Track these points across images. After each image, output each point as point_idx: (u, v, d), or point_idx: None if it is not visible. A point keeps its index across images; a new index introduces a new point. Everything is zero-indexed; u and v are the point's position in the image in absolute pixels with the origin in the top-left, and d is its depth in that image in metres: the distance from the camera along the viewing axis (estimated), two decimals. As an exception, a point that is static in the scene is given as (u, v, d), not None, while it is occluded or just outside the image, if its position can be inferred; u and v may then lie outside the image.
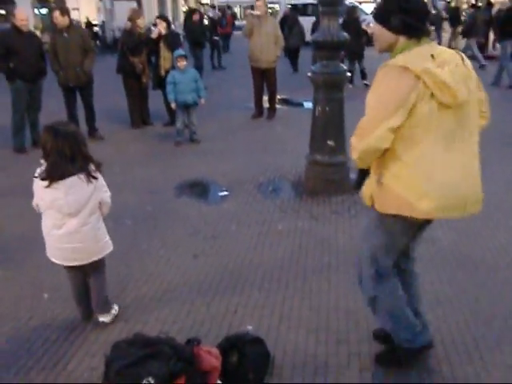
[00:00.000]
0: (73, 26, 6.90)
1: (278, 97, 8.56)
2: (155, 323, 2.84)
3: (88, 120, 7.05)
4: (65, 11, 6.72)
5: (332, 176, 4.67)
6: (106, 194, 2.70)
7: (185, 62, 6.45)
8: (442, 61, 1.99)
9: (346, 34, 4.46)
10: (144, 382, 1.75)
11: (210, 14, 19.21)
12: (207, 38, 12.98)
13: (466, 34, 12.82)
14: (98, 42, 21.18)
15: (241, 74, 8.34)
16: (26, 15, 6.38)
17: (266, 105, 8.18)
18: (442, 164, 2.05)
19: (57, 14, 6.58)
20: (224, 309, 2.99)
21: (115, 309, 2.89)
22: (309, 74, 4.65)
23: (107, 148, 6.68)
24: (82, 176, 2.51)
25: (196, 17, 11.01)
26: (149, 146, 6.76)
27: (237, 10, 32.07)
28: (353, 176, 2.42)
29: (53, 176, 2.45)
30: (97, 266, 2.74)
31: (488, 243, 3.75)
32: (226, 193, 4.90)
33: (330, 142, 4.63)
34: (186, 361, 1.87)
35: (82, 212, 2.56)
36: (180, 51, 6.71)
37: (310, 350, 2.60)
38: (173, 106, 6.53)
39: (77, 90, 6.84)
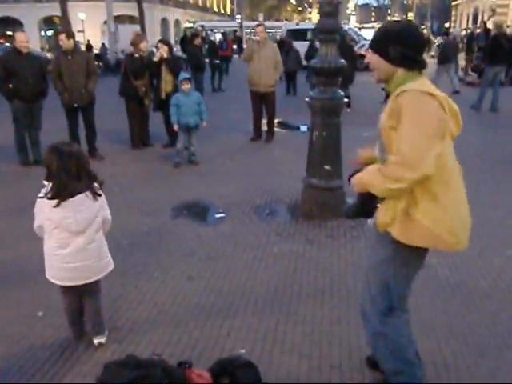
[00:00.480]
0: (77, 48, 7.05)
1: (276, 120, 8.68)
2: (148, 345, 2.83)
3: (89, 140, 7.13)
4: (70, 34, 6.88)
5: (328, 200, 4.70)
6: (107, 212, 2.74)
7: (189, 85, 6.56)
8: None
9: (343, 60, 4.55)
10: (133, 404, 1.76)
11: (212, 38, 19.65)
12: (207, 61, 13.24)
13: (441, 60, 12.98)
14: (100, 63, 21.49)
15: (240, 97, 8.47)
16: (26, 37, 6.51)
17: (264, 128, 8.28)
18: (462, 200, 2.08)
19: (63, 36, 6.72)
20: (217, 332, 2.98)
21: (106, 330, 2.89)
22: (307, 100, 4.73)
23: (107, 168, 6.73)
24: (89, 193, 2.55)
25: (197, 41, 11.21)
26: (148, 167, 6.81)
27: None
28: (349, 201, 2.35)
29: (61, 195, 2.47)
30: (95, 287, 2.75)
31: (483, 271, 3.76)
32: (222, 215, 4.92)
33: (327, 167, 4.67)
34: (176, 383, 1.87)
35: (89, 229, 2.59)
36: (185, 74, 6.83)
37: (302, 375, 2.59)
38: (175, 127, 6.59)
39: (79, 111, 6.93)
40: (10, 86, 6.32)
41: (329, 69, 4.46)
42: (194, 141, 6.76)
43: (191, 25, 31.29)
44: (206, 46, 16.65)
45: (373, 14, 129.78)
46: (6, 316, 3.16)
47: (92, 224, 2.60)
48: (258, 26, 7.83)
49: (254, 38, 8.04)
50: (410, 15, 71.57)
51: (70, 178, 2.48)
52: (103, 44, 25.27)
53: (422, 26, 64.88)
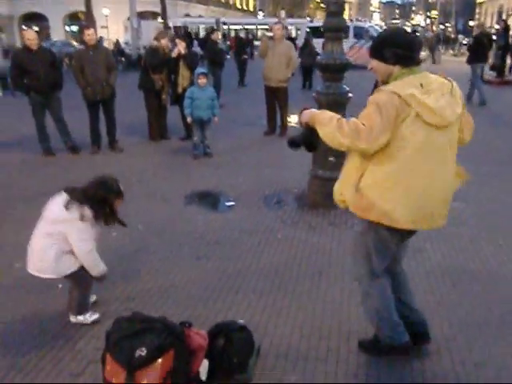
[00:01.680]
0: (98, 44, 7.41)
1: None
2: (155, 313, 3.10)
3: (109, 132, 7.48)
4: (95, 30, 7.26)
5: (332, 190, 4.92)
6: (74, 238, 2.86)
7: (205, 80, 6.78)
8: (430, 89, 2.28)
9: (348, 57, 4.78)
10: (137, 351, 2.04)
11: (241, 35, 20.16)
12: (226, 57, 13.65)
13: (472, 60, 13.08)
14: (123, 58, 21.98)
15: (260, 93, 8.74)
16: (35, 35, 6.88)
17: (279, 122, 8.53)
18: (421, 177, 2.31)
19: (91, 31, 7.09)
20: (220, 306, 3.27)
21: (83, 319, 3.04)
22: (313, 95, 4.97)
23: (126, 159, 7.10)
24: None
25: (215, 36, 11.51)
26: (165, 159, 7.13)
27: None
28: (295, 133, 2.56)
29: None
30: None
31: (473, 256, 3.97)
32: (232, 203, 5.20)
33: (331, 159, 4.90)
34: (176, 337, 2.15)
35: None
36: (201, 69, 7.10)
37: (293, 343, 2.86)
38: (189, 120, 6.88)
39: (100, 104, 7.28)
40: (25, 81, 6.77)
41: (334, 65, 4.69)
42: (207, 134, 7.02)
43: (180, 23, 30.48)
44: (228, 43, 17.24)
45: (397, 11, 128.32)
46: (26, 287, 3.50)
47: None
48: (275, 23, 8.11)
49: (267, 34, 8.25)
50: (434, 13, 70.48)
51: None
52: (117, 40, 26.04)
53: (447, 24, 64.01)
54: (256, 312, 3.19)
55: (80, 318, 3.03)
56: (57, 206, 2.82)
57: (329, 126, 2.32)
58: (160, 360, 2.07)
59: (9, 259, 3.89)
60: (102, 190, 2.84)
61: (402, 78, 2.31)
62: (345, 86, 4.87)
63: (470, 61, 11.73)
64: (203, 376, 2.36)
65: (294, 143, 2.58)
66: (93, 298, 3.23)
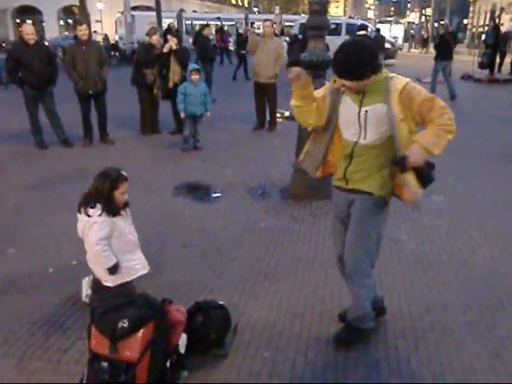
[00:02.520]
0: (90, 39, 7.56)
1: (281, 111, 9.10)
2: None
3: (100, 125, 7.63)
4: (88, 25, 7.40)
5: (314, 182, 5.11)
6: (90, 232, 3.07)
7: (198, 76, 6.95)
8: None
9: (329, 54, 4.95)
10: (120, 323, 2.22)
11: (240, 31, 20.50)
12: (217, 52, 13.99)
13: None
14: (117, 53, 22.04)
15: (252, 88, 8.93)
16: (32, 30, 7.04)
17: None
18: None
19: (84, 26, 7.22)
20: (201, 288, 3.46)
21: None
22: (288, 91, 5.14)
23: (117, 152, 7.26)
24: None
25: (206, 32, 11.66)
26: (155, 152, 7.29)
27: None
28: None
29: None
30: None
31: (446, 246, 4.18)
32: (218, 194, 5.39)
33: (314, 152, 5.09)
34: (156, 310, 2.34)
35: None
36: (194, 65, 7.24)
37: (269, 321, 3.05)
38: (182, 115, 7.03)
39: (92, 98, 7.43)
40: (20, 74, 6.93)
41: (317, 62, 4.88)
42: (198, 129, 7.22)
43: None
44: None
45: (392, 8, 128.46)
46: (24, 270, 3.67)
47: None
48: (265, 20, 8.29)
49: (256, 31, 8.41)
50: (429, 11, 70.76)
51: None
52: (106, 35, 26.08)
53: (442, 22, 64.28)
54: (235, 294, 3.38)
55: None
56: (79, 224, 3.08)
57: (442, 139, 2.43)
58: (141, 331, 2.25)
59: (3, 245, 4.07)
60: (99, 182, 2.99)
61: (386, 76, 2.51)
62: (326, 82, 5.04)
63: (435, 58, 12.49)
64: (182, 349, 2.54)
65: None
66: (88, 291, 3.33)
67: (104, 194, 2.97)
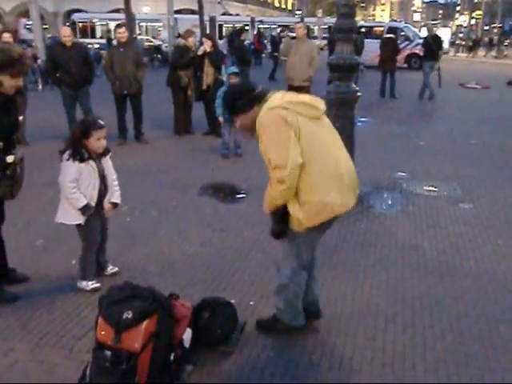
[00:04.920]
0: (129, 42, 7.81)
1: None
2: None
3: (135, 125, 7.87)
4: (128, 28, 7.67)
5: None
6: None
7: (236, 80, 6.77)
8: (290, 96, 2.59)
9: (357, 57, 4.94)
10: (125, 314, 2.31)
11: (273, 33, 20.77)
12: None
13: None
14: (159, 55, 22.54)
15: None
16: (70, 32, 7.40)
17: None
18: (334, 163, 2.56)
19: (123, 29, 7.49)
20: (215, 286, 3.52)
21: (85, 284, 3.42)
22: (324, 94, 5.14)
23: (149, 151, 7.46)
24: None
25: (244, 36, 11.81)
26: (186, 152, 7.44)
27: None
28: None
29: None
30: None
31: (469, 254, 4.07)
32: (243, 195, 5.45)
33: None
34: (160, 304, 2.41)
35: None
36: (233, 69, 7.22)
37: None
38: (220, 119, 6.90)
39: (128, 98, 7.67)
40: (58, 75, 7.30)
41: (344, 65, 4.87)
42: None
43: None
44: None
45: (440, 11, 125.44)
46: (49, 261, 3.85)
47: None
48: (297, 23, 8.29)
49: (291, 34, 8.44)
50: (479, 13, 68.57)
51: None
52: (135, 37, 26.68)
53: (493, 25, 62.05)
54: (248, 293, 3.42)
55: (83, 283, 3.42)
56: None
57: (272, 194, 2.55)
58: (144, 323, 2.33)
59: (33, 237, 4.28)
60: (73, 129, 3.26)
61: (262, 106, 2.54)
62: (354, 86, 5.03)
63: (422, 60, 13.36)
64: (187, 343, 2.61)
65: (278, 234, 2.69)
66: (114, 269, 3.61)
67: (75, 139, 3.17)
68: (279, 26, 29.68)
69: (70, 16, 37.00)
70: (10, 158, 3.06)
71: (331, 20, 34.02)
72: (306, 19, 38.31)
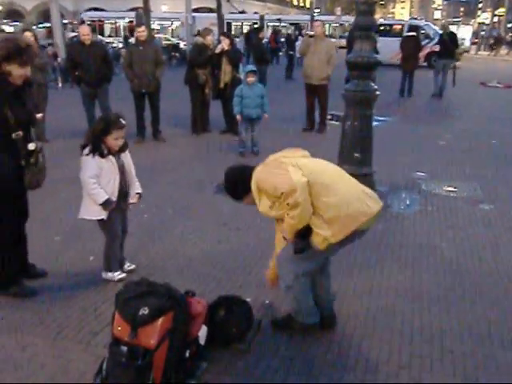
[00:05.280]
0: (148, 40, 7.86)
1: (334, 112, 9.01)
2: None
3: (153, 122, 7.91)
4: (149, 27, 7.72)
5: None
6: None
7: (254, 78, 6.73)
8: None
9: (376, 56, 4.89)
10: (141, 310, 2.32)
11: (289, 32, 20.77)
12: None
13: None
14: (177, 54, 22.64)
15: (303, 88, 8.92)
16: (88, 30, 7.49)
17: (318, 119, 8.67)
18: (347, 179, 2.82)
19: (143, 28, 7.56)
20: (231, 284, 3.53)
21: (111, 275, 3.50)
22: (342, 92, 5.11)
23: (167, 148, 7.51)
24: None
25: (262, 35, 11.79)
26: (203, 150, 7.46)
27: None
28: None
29: None
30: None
31: (489, 257, 4.00)
32: (259, 194, 5.43)
33: (357, 155, 5.04)
34: (176, 301, 2.42)
35: None
36: (251, 67, 7.15)
37: (292, 321, 3.07)
38: (238, 118, 6.88)
39: (146, 96, 7.72)
40: (77, 73, 7.39)
41: (362, 63, 4.82)
42: (255, 133, 7.02)
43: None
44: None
45: (461, 8, 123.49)
46: (67, 257, 3.89)
47: None
48: (315, 21, 8.24)
49: (309, 32, 8.39)
50: (501, 11, 67.35)
51: None
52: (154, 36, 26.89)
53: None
54: (263, 292, 3.41)
55: (109, 274, 3.50)
56: None
57: (289, 221, 2.54)
58: (160, 320, 2.34)
59: (51, 233, 4.34)
60: (96, 124, 3.27)
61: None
62: (372, 84, 4.98)
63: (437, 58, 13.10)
64: (202, 341, 2.61)
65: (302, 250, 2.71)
66: (131, 266, 3.65)
67: (95, 135, 3.19)
68: (290, 24, 29.77)
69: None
70: (31, 146, 3.12)
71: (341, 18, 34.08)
72: (323, 17, 38.16)
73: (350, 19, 31.50)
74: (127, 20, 32.68)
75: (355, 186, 2.73)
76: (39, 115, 5.84)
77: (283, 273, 2.85)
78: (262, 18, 28.67)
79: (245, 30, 32.97)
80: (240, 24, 34.94)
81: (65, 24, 26.59)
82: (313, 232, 2.58)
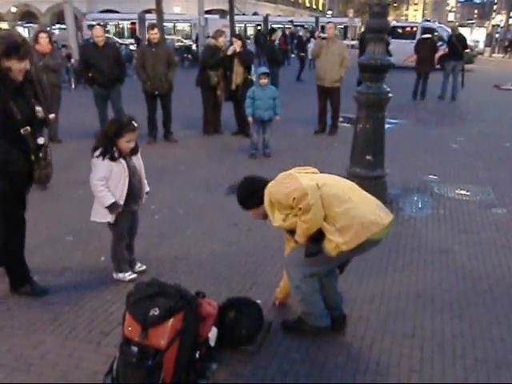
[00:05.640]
0: (161, 42, 7.90)
1: (345, 115, 8.98)
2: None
3: (165, 124, 7.95)
4: (160, 29, 7.76)
5: (369, 188, 5.00)
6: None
7: (266, 80, 6.72)
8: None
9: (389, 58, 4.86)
10: (151, 311, 2.33)
11: (300, 33, 20.67)
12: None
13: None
14: (189, 55, 22.73)
15: (315, 90, 8.89)
16: (102, 32, 7.50)
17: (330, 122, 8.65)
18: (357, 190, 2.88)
19: (156, 30, 7.60)
20: (242, 285, 3.53)
21: (122, 276, 3.53)
22: (354, 94, 5.09)
23: (178, 150, 7.54)
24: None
25: (274, 36, 11.78)
26: (215, 151, 7.48)
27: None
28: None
29: None
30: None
31: (502, 262, 3.95)
32: (270, 195, 5.43)
33: (369, 157, 5.01)
34: (186, 302, 2.42)
35: None
36: (264, 69, 7.13)
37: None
38: (250, 119, 6.87)
39: (158, 97, 7.76)
40: (90, 74, 7.43)
41: (375, 65, 4.79)
42: (267, 135, 7.00)
43: None
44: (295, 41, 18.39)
45: (475, 11, 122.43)
46: (78, 257, 3.92)
47: None
48: (327, 23, 8.22)
49: (322, 34, 8.38)
50: (515, 13, 66.53)
51: None
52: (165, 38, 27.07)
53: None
54: (274, 294, 3.39)
55: (120, 275, 3.52)
56: None
57: (302, 225, 2.58)
58: (170, 320, 2.34)
59: (63, 233, 4.37)
60: (107, 126, 3.27)
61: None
62: (385, 87, 4.95)
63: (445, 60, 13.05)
64: (212, 342, 2.61)
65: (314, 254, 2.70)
66: (142, 267, 3.67)
67: (107, 138, 3.19)
68: (295, 25, 29.70)
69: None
70: (40, 140, 3.14)
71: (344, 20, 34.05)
72: (334, 19, 38.08)
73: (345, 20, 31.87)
74: (130, 22, 33.15)
75: (367, 197, 2.79)
76: (52, 116, 5.91)
77: (292, 273, 2.85)
78: (266, 20, 28.68)
79: (248, 33, 33.17)
80: (243, 26, 34.96)
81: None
82: (325, 238, 2.59)
